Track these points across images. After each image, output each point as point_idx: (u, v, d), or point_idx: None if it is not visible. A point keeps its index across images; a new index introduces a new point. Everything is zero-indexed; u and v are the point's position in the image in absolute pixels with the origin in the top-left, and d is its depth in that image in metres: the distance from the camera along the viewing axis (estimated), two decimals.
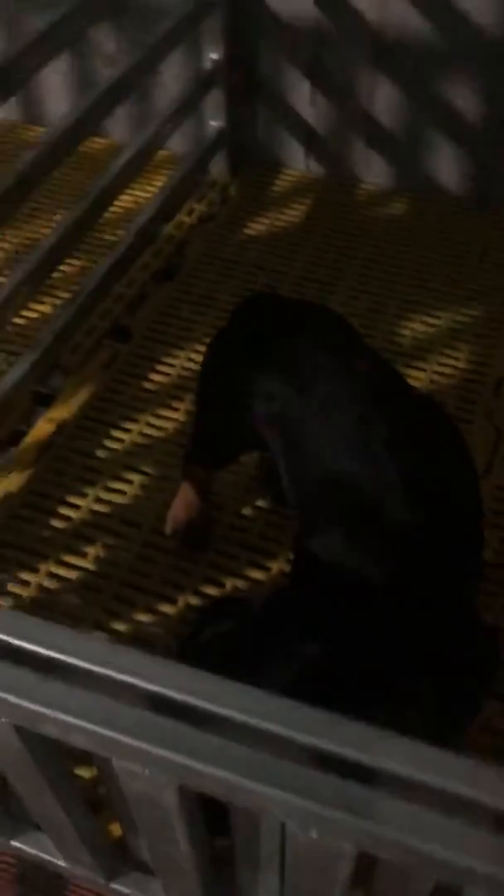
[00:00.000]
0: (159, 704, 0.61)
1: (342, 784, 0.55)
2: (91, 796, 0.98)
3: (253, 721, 0.58)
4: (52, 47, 1.36)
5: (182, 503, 1.35)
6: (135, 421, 1.55)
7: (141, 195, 1.97)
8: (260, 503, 1.41)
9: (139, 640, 1.25)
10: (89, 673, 0.62)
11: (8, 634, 0.62)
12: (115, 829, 1.01)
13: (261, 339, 1.15)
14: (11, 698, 0.60)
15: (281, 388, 1.07)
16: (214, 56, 1.86)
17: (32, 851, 1.02)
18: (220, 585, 1.31)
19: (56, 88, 2.12)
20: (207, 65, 1.87)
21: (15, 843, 1.02)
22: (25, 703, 0.60)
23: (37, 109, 2.18)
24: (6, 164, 2.07)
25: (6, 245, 1.88)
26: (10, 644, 0.63)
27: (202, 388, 1.27)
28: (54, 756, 0.73)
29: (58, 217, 1.91)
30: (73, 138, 1.46)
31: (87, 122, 1.49)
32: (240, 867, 0.83)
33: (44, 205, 1.97)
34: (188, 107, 1.86)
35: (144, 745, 0.59)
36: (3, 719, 0.64)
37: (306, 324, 1.18)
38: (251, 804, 0.61)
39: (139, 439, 1.52)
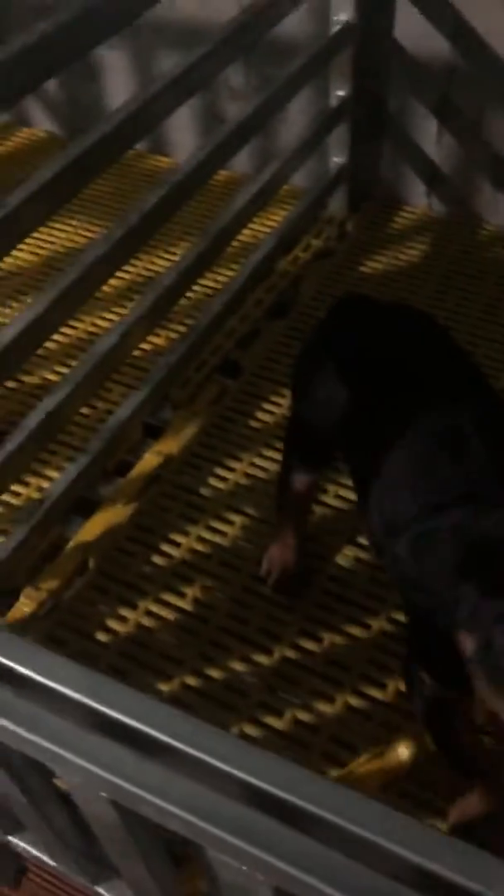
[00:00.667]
0: (260, 800, 0.59)
1: None
2: (178, 851, 0.97)
3: (352, 827, 0.56)
4: (184, 90, 1.37)
5: (279, 545, 1.34)
6: (239, 460, 1.55)
7: (258, 229, 1.97)
8: (364, 556, 1.37)
9: (233, 690, 1.23)
10: (192, 759, 0.60)
11: (113, 708, 0.62)
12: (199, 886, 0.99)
13: (351, 340, 1.18)
14: (110, 777, 0.59)
15: (362, 390, 1.11)
16: (341, 93, 1.85)
17: None
18: (318, 640, 1.28)
19: (182, 120, 2.15)
20: (334, 101, 1.85)
21: (98, 889, 1.02)
22: (124, 784, 0.59)
23: (162, 140, 2.22)
24: (130, 193, 2.12)
25: (125, 276, 1.91)
26: (113, 718, 0.62)
27: (297, 382, 1.28)
28: (150, 831, 0.72)
29: (176, 250, 1.94)
30: (201, 176, 1.47)
31: (216, 159, 1.50)
32: None
33: (162, 237, 1.99)
34: (312, 143, 1.85)
35: (241, 844, 0.57)
36: (101, 793, 0.63)
37: (398, 326, 1.21)
38: None
39: (242, 479, 1.51)
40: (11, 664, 0.63)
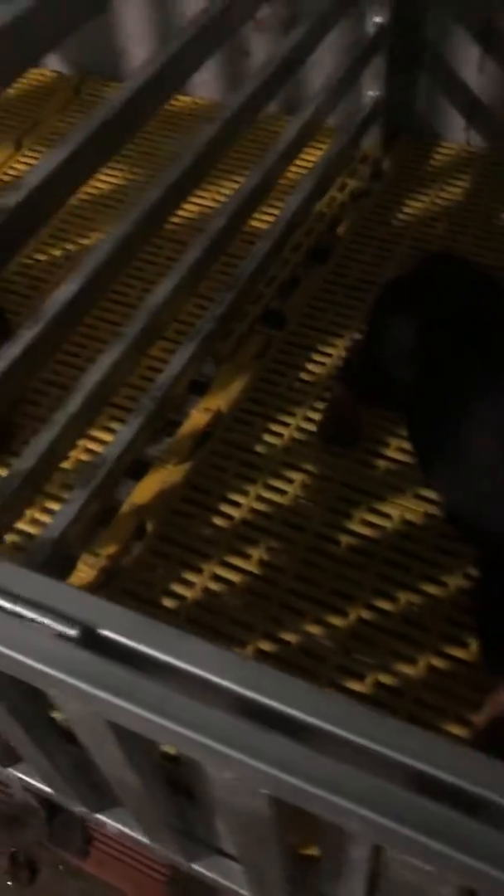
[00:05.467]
0: (429, 786, 0.55)
1: None
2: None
3: None
4: (219, 30, 1.25)
5: (333, 397, 1.42)
6: (292, 414, 1.49)
7: (293, 171, 1.87)
8: (432, 511, 1.33)
9: (309, 654, 1.20)
10: (356, 746, 0.56)
11: (269, 696, 0.57)
12: None
13: (433, 300, 1.20)
14: (278, 773, 0.55)
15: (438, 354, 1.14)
16: (378, 19, 1.73)
17: (210, 875, 0.99)
18: (392, 599, 1.24)
19: None
20: (371, 29, 1.74)
21: (195, 866, 0.99)
22: (292, 780, 0.55)
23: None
24: (153, 134, 2.01)
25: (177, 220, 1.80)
26: (271, 707, 0.57)
27: (371, 327, 1.34)
28: (297, 827, 0.68)
29: (206, 197, 1.85)
30: (246, 116, 1.37)
31: (260, 98, 1.40)
32: None
33: (203, 186, 1.88)
34: (349, 76, 1.74)
35: (419, 836, 0.53)
36: (262, 790, 0.59)
37: (488, 293, 1.21)
38: None
39: (298, 434, 1.46)
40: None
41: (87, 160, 1.01)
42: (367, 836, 0.61)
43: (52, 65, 2.25)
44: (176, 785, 0.90)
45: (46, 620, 0.59)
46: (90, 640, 0.58)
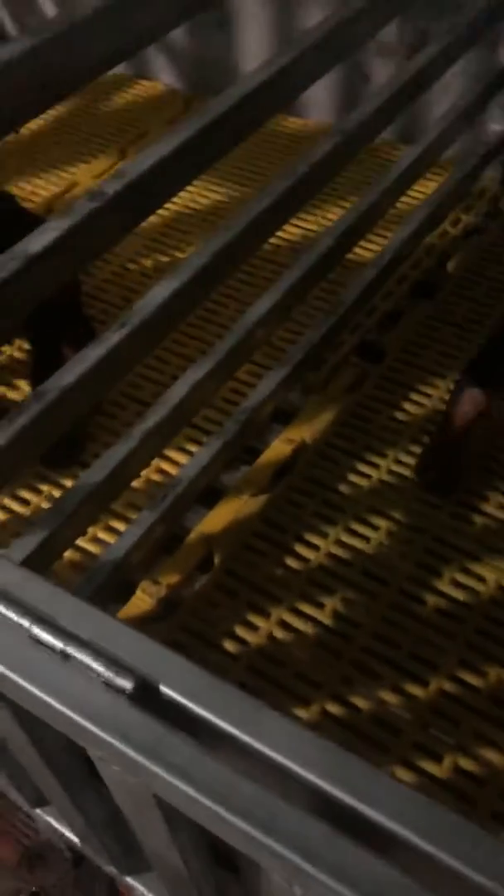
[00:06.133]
0: None
1: None
2: None
3: None
4: (334, 52, 1.17)
5: (438, 437, 1.27)
6: (383, 455, 1.37)
7: (404, 202, 1.77)
8: None
9: (381, 724, 1.06)
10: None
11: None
12: None
13: None
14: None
15: None
16: None
17: None
18: (481, 673, 1.10)
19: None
20: (503, 59, 1.64)
21: None
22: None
23: (297, 100, 2.04)
24: (258, 156, 1.95)
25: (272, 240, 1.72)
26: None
27: None
28: None
29: (311, 224, 1.77)
30: (356, 141, 1.28)
31: (374, 125, 1.30)
32: None
33: (307, 209, 1.81)
34: (474, 107, 1.64)
35: None
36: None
37: None
38: None
39: (388, 478, 1.34)
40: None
41: (187, 163, 0.93)
42: None
43: (165, 79, 2.22)
44: (224, 857, 0.78)
45: (98, 666, 0.48)
46: (147, 696, 0.47)
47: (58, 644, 0.49)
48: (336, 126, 1.24)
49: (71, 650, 0.49)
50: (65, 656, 0.49)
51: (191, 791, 0.45)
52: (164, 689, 0.48)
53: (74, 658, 0.49)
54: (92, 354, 0.90)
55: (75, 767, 0.73)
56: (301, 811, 0.44)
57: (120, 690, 0.48)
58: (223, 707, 0.47)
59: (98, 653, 0.49)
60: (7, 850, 1.34)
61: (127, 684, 0.47)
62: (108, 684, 0.48)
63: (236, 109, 0.98)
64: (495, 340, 1.28)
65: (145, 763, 0.46)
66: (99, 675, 0.48)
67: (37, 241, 0.75)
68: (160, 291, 0.95)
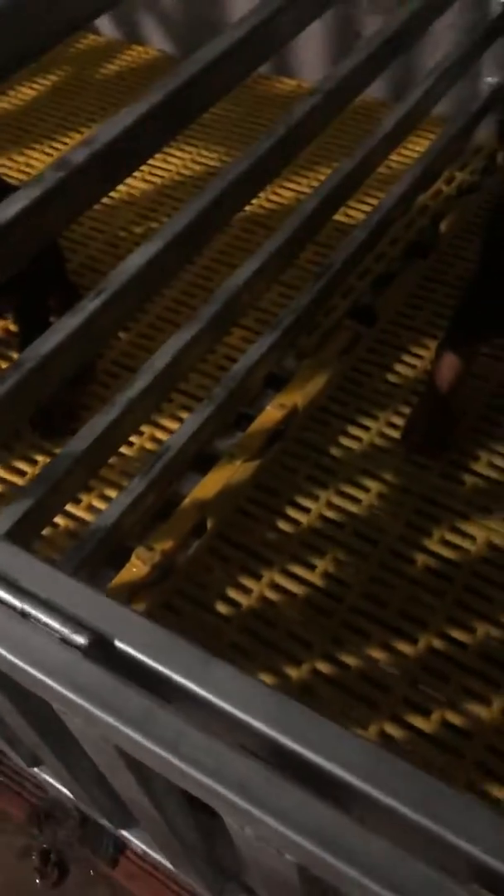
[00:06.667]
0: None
1: None
2: None
3: None
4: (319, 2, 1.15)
5: (424, 400, 1.29)
6: (374, 418, 1.37)
7: (394, 159, 1.76)
8: None
9: (371, 682, 1.08)
10: (413, 824, 0.45)
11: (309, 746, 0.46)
12: None
13: None
14: (310, 845, 0.44)
15: None
16: None
17: None
18: (470, 630, 1.11)
19: (310, 35, 1.93)
20: (497, 9, 1.61)
21: None
22: (327, 857, 0.44)
23: (286, 58, 2.01)
24: (248, 117, 1.93)
25: (265, 204, 1.72)
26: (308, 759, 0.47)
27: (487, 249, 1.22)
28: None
29: (301, 183, 1.75)
30: (338, 100, 1.27)
31: (359, 80, 1.29)
32: None
33: (296, 170, 1.80)
34: (466, 60, 1.61)
35: None
36: (289, 857, 0.49)
37: None
38: None
39: (379, 440, 1.34)
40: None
41: (161, 125, 0.92)
42: None
43: (158, 44, 2.19)
44: (203, 807, 0.81)
45: (54, 623, 0.50)
46: (101, 651, 0.49)
47: (17, 603, 0.51)
48: (317, 85, 1.23)
49: (29, 608, 0.51)
50: (24, 615, 0.51)
51: (143, 741, 0.47)
52: (119, 644, 0.50)
53: (32, 616, 0.50)
54: (70, 322, 0.90)
55: (56, 725, 0.75)
56: (247, 757, 0.46)
57: (76, 646, 0.49)
58: (175, 660, 0.49)
59: (55, 610, 0.50)
60: (17, 808, 1.39)
61: (82, 640, 0.49)
62: (65, 640, 0.50)
63: (214, 66, 0.96)
64: (472, 298, 1.27)
65: (101, 715, 0.48)
66: (56, 631, 0.50)
67: (2, 213, 0.75)
68: (136, 259, 0.95)
